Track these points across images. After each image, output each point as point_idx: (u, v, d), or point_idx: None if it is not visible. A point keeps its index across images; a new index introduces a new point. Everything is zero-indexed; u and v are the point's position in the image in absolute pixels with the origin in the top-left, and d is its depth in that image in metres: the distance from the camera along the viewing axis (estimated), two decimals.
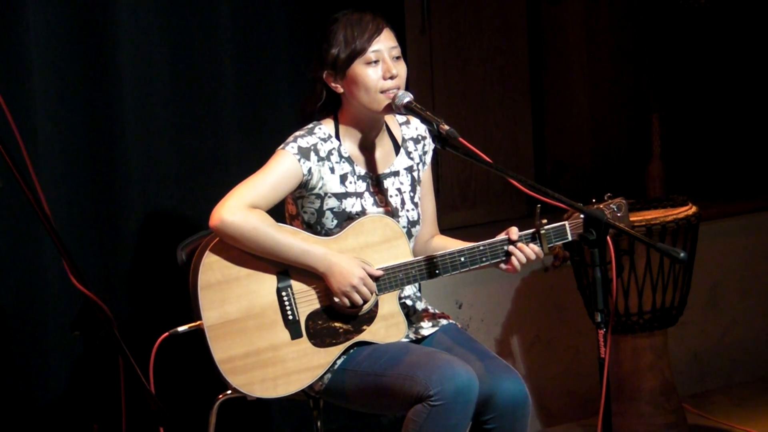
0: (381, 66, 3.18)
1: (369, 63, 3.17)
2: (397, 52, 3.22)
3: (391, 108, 3.19)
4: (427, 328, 3.33)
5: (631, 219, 4.28)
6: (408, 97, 3.18)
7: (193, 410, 3.61)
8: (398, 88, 3.18)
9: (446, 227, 4.73)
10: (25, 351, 3.63)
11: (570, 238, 3.27)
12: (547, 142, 5.43)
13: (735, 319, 5.19)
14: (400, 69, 3.21)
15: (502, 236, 3.23)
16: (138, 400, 2.56)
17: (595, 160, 5.52)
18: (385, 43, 3.19)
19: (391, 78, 3.18)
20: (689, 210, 4.37)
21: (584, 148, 5.51)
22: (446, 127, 3.08)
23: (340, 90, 3.21)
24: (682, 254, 2.90)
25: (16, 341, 3.62)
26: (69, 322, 3.66)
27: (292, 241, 3.12)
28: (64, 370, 3.69)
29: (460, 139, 3.06)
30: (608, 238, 2.99)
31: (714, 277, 5.08)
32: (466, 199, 5.18)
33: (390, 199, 3.29)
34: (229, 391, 3.28)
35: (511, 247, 3.21)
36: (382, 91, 3.17)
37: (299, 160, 3.16)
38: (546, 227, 3.23)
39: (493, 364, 3.18)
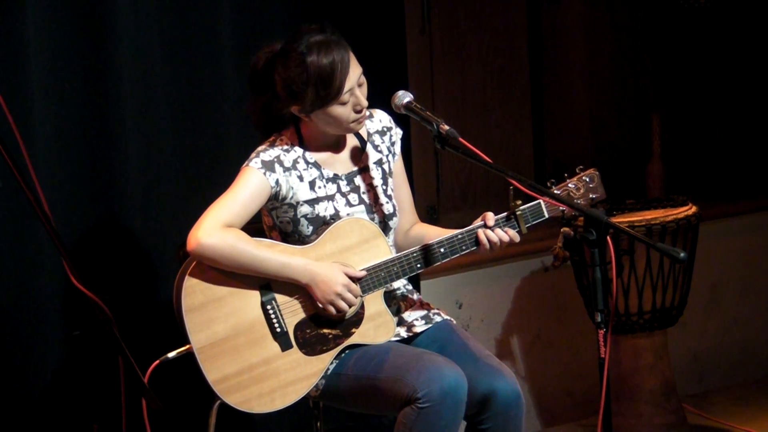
0: (351, 101, 3.17)
1: (343, 103, 3.16)
2: (362, 78, 3.20)
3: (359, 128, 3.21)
4: (420, 326, 3.33)
5: (631, 219, 4.29)
6: (408, 97, 3.19)
7: (193, 410, 3.60)
8: (366, 112, 3.20)
9: (446, 227, 4.74)
10: (24, 351, 3.63)
11: (546, 216, 3.27)
12: (547, 142, 5.43)
13: (735, 319, 5.18)
14: (365, 91, 3.20)
15: (478, 222, 3.24)
16: (138, 400, 2.56)
17: (595, 160, 5.52)
18: (352, 77, 3.16)
19: (360, 110, 3.18)
20: (689, 210, 4.37)
21: (584, 148, 5.51)
22: (446, 127, 3.08)
23: (308, 120, 3.21)
24: (682, 254, 2.89)
25: (16, 341, 3.62)
26: (69, 322, 3.66)
27: (271, 255, 3.12)
28: (64, 370, 3.69)
29: (460, 139, 3.06)
30: (608, 238, 2.99)
31: (714, 277, 5.08)
32: (466, 199, 5.17)
33: (363, 195, 3.29)
34: None
35: (479, 230, 3.22)
36: (354, 120, 3.19)
37: (265, 174, 3.16)
38: (521, 208, 3.23)
39: (486, 364, 3.18)
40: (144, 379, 3.04)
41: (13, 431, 3.63)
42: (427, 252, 3.21)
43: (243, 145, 3.95)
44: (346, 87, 3.14)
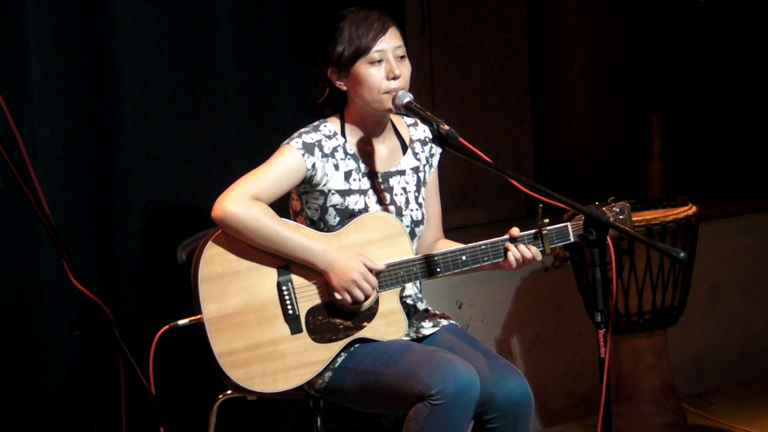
0: (384, 66, 3.18)
1: (372, 62, 3.18)
2: (401, 51, 3.22)
3: (392, 108, 3.20)
4: (428, 328, 3.33)
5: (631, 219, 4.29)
6: (408, 97, 3.19)
7: (193, 410, 3.61)
8: (402, 89, 3.19)
9: (446, 227, 4.72)
10: (24, 351, 3.63)
11: (572, 239, 3.27)
12: (547, 142, 5.43)
13: (735, 319, 5.19)
14: (404, 69, 3.21)
15: (504, 236, 3.24)
16: (138, 400, 2.56)
17: (595, 160, 5.53)
18: (389, 43, 3.19)
19: (395, 78, 3.18)
20: (689, 210, 4.37)
21: (584, 148, 5.51)
22: (446, 127, 3.08)
23: (344, 88, 3.23)
24: (682, 254, 2.89)
25: (15, 341, 3.62)
26: (69, 322, 3.66)
27: (293, 235, 3.13)
28: (63, 370, 3.69)
29: (460, 139, 3.06)
30: (608, 238, 2.99)
31: (714, 277, 5.08)
32: (466, 199, 5.18)
33: (395, 197, 3.30)
34: (229, 391, 3.28)
35: (508, 244, 3.22)
36: (386, 92, 3.18)
37: (303, 155, 3.17)
38: (548, 228, 3.23)
39: (496, 364, 3.19)
40: (150, 357, 3.06)
41: (13, 431, 3.63)
42: (449, 258, 3.21)
43: (243, 144, 3.96)
44: (379, 45, 3.16)
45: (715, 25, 5.62)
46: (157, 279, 3.79)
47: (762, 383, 5.14)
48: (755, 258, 5.21)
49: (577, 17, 5.44)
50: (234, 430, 3.90)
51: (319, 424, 3.43)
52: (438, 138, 3.09)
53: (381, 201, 3.27)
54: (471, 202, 5.19)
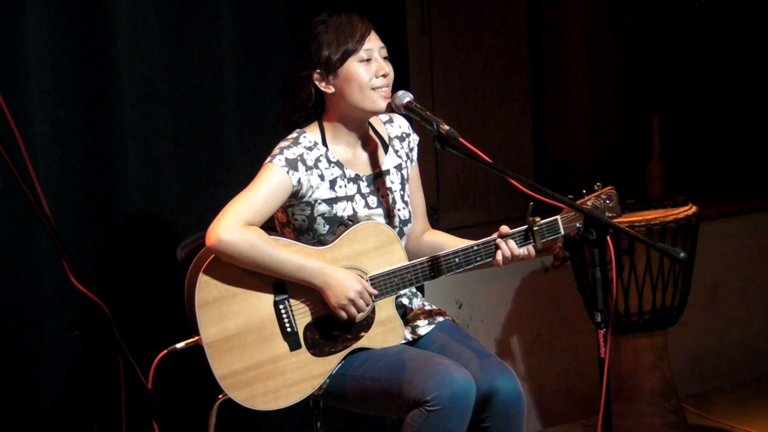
0: (373, 64, 3.19)
1: (362, 61, 3.18)
2: (385, 52, 3.24)
3: (391, 108, 3.20)
4: (423, 327, 3.33)
5: (631, 219, 4.29)
6: (408, 97, 3.19)
7: (193, 410, 3.60)
8: (389, 86, 3.20)
9: (446, 227, 4.74)
10: (24, 351, 3.63)
11: (562, 232, 3.27)
12: (547, 142, 5.43)
13: (735, 319, 5.19)
14: (389, 68, 3.23)
15: (494, 235, 3.24)
16: (138, 400, 2.56)
17: (595, 160, 5.53)
18: (375, 43, 3.21)
19: (384, 76, 3.19)
20: (689, 210, 4.37)
21: (584, 148, 5.51)
22: (446, 127, 3.07)
23: (331, 90, 3.21)
24: (682, 254, 2.89)
25: (15, 341, 3.62)
26: (68, 322, 3.66)
27: (289, 257, 3.11)
28: (63, 370, 3.69)
29: (460, 139, 3.06)
30: (608, 237, 2.99)
31: (714, 277, 5.08)
32: (466, 199, 5.18)
33: (381, 199, 3.29)
34: None
35: (499, 241, 3.22)
36: (374, 89, 3.18)
37: (288, 172, 3.15)
38: (539, 223, 3.23)
39: (488, 363, 3.19)
40: (149, 379, 3.06)
41: (13, 431, 3.63)
42: (441, 261, 3.21)
43: (243, 145, 3.96)
44: (367, 44, 3.18)
45: (715, 25, 5.62)
46: (157, 279, 3.79)
47: (762, 383, 5.14)
48: (755, 258, 5.21)
49: (577, 17, 5.44)
50: (234, 430, 3.90)
51: (318, 424, 3.43)
52: (438, 138, 3.09)
53: (368, 205, 3.27)
54: (470, 201, 5.19)
